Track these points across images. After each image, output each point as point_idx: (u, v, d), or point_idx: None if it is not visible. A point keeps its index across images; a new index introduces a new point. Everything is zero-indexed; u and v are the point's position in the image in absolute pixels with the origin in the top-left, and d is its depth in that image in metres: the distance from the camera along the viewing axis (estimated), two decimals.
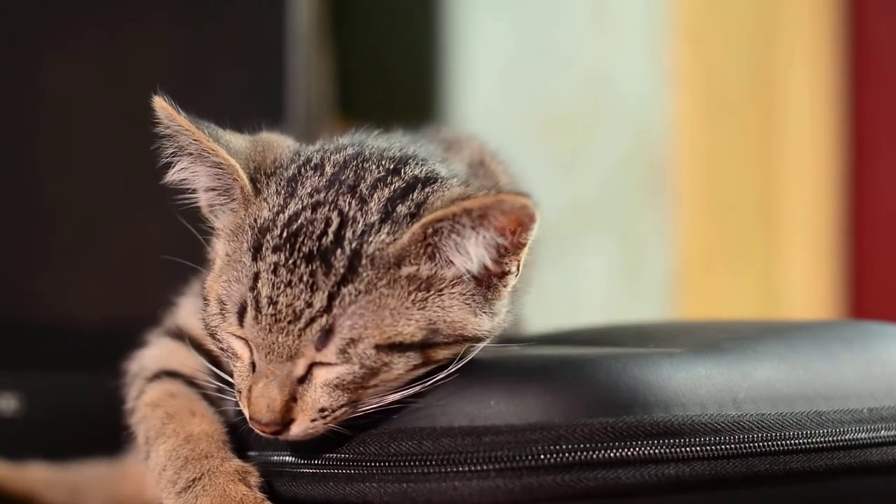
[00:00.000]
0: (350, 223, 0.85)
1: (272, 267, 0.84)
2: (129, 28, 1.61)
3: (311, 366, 0.84)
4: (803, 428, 0.89)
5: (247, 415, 0.85)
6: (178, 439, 0.91)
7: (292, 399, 0.84)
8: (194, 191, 0.92)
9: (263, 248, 0.85)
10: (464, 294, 0.86)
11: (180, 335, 1.00)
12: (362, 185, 0.87)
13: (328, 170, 0.89)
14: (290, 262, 0.83)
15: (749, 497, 0.87)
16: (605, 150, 2.23)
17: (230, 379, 0.89)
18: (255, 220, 0.87)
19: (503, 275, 0.86)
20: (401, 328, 0.84)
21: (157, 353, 1.01)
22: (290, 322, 0.83)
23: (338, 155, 0.91)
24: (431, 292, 0.85)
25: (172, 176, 0.91)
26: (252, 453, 0.91)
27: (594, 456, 0.82)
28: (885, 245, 2.43)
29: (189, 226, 0.92)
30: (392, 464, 0.84)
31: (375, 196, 0.86)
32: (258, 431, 0.85)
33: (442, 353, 0.85)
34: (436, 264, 0.85)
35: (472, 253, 0.84)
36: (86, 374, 1.33)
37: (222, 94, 1.59)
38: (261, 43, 1.62)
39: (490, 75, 2.24)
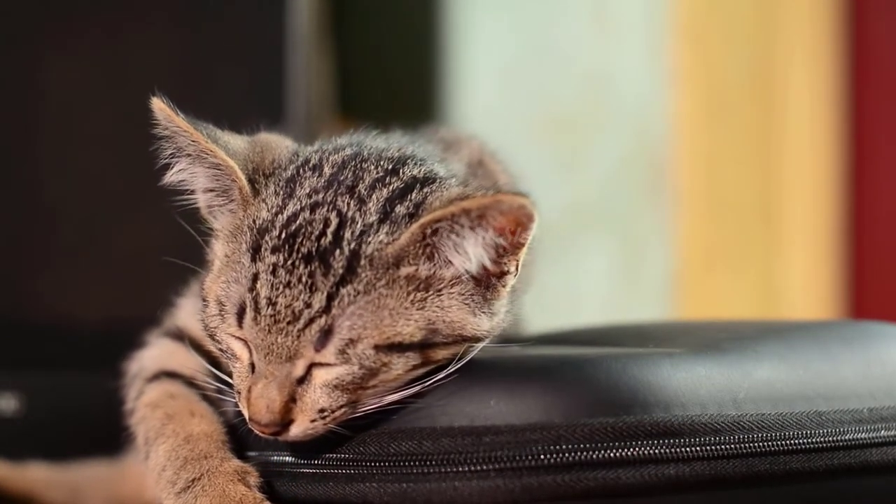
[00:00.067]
0: (349, 224, 0.85)
1: (271, 268, 0.84)
2: (129, 28, 1.61)
3: (311, 366, 0.84)
4: (803, 428, 0.89)
5: (246, 416, 0.85)
6: (178, 440, 0.91)
7: (292, 400, 0.84)
8: (193, 192, 0.92)
9: (262, 249, 0.85)
10: (463, 294, 0.86)
11: (180, 336, 1.00)
12: (361, 185, 0.87)
13: (327, 170, 0.89)
14: (289, 262, 0.83)
15: (749, 497, 0.87)
16: (605, 150, 2.23)
17: (229, 380, 0.89)
18: (254, 221, 0.87)
19: (502, 275, 0.86)
20: (400, 328, 0.84)
21: (156, 353, 1.01)
22: (289, 323, 0.83)
23: (336, 155, 0.91)
24: (430, 292, 0.85)
25: (171, 177, 0.91)
26: (252, 453, 0.91)
27: (594, 456, 0.82)
28: (885, 245, 2.43)
29: (188, 227, 0.92)
30: (392, 464, 0.84)
31: (374, 196, 0.86)
32: (258, 432, 0.85)
33: (441, 354, 0.85)
34: (434, 264, 0.85)
35: (470, 253, 0.84)
36: (86, 374, 1.33)
37: (222, 94, 1.59)
38: (261, 43, 1.62)
39: (490, 75, 2.24)
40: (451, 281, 0.85)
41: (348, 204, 0.86)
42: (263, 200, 0.88)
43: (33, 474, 1.31)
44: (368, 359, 0.83)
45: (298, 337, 0.83)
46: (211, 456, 0.90)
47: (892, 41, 2.42)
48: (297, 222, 0.85)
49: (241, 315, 0.85)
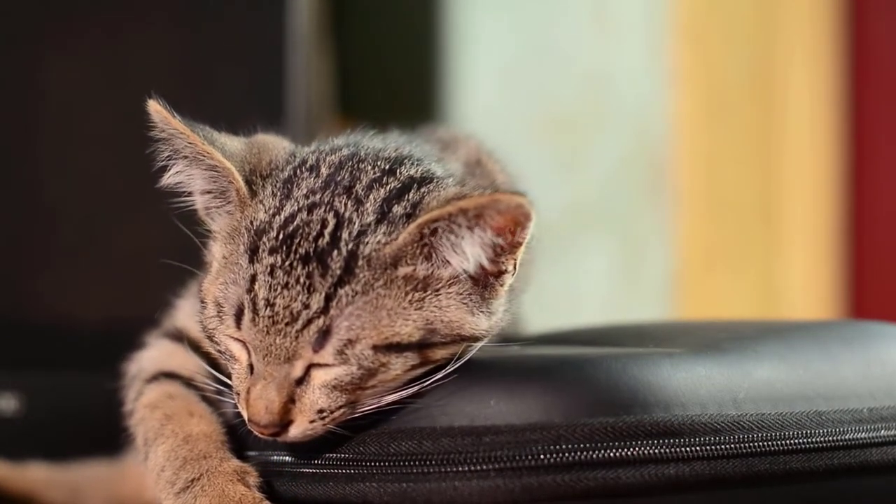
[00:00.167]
0: (346, 224, 0.85)
1: (269, 269, 0.84)
2: (129, 28, 1.61)
3: (309, 367, 0.84)
4: (803, 428, 0.89)
5: (245, 417, 0.85)
6: (177, 440, 0.91)
7: (290, 401, 0.84)
8: (190, 194, 0.92)
9: (260, 251, 0.85)
10: (461, 294, 0.86)
11: (179, 337, 1.00)
12: (358, 185, 0.87)
13: (324, 171, 0.89)
14: (287, 263, 0.83)
15: (749, 497, 0.87)
16: (605, 150, 2.23)
17: (228, 381, 0.89)
18: (252, 223, 0.87)
19: (500, 274, 0.86)
20: (398, 328, 0.84)
21: (155, 354, 1.01)
22: (287, 324, 0.83)
23: (333, 156, 0.91)
24: (428, 292, 0.85)
25: (168, 179, 0.91)
26: (252, 453, 0.91)
27: (594, 456, 0.82)
28: (885, 245, 2.43)
29: (185, 229, 0.92)
30: (392, 464, 0.84)
31: (371, 197, 0.86)
32: (257, 433, 0.85)
33: (440, 353, 0.85)
34: (432, 264, 0.85)
35: (468, 252, 0.84)
36: (86, 374, 1.32)
37: (222, 94, 1.59)
38: (261, 43, 1.62)
39: (490, 75, 2.24)
40: (448, 280, 0.85)
41: (345, 204, 0.86)
42: (261, 202, 0.88)
43: (33, 474, 1.31)
44: (367, 359, 0.83)
45: (297, 338, 0.83)
46: (210, 456, 0.90)
47: (892, 41, 2.42)
48: (295, 223, 0.85)
49: (239, 316, 0.85)
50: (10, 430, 1.51)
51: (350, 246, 0.84)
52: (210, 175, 0.90)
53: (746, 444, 0.86)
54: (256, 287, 0.84)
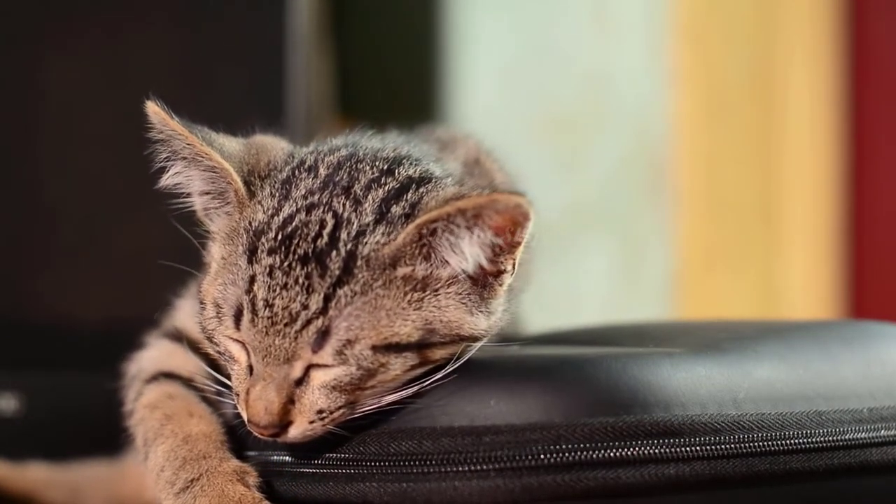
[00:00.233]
0: (345, 224, 0.85)
1: (268, 270, 0.84)
2: (129, 28, 1.61)
3: (309, 368, 0.84)
4: (803, 428, 0.88)
5: (245, 418, 0.85)
6: (177, 440, 0.91)
7: (290, 401, 0.84)
8: (189, 195, 0.92)
9: (259, 251, 0.85)
10: (460, 293, 0.86)
11: (178, 337, 1.00)
12: (356, 186, 0.87)
13: (322, 171, 0.89)
14: (286, 264, 0.83)
15: (749, 497, 0.87)
16: (605, 150, 2.23)
17: (228, 381, 0.89)
18: (250, 223, 0.87)
19: (499, 274, 0.86)
20: (397, 329, 0.84)
21: (155, 354, 1.01)
22: (286, 324, 0.83)
23: (331, 156, 0.91)
24: (427, 292, 0.85)
25: (167, 180, 0.91)
26: (251, 453, 0.91)
27: (594, 456, 0.82)
28: (885, 245, 2.43)
29: (184, 230, 0.92)
30: (392, 463, 0.84)
31: (370, 197, 0.86)
32: (256, 434, 0.85)
33: (439, 353, 0.85)
34: (431, 264, 0.85)
35: (467, 252, 0.84)
36: (86, 374, 1.32)
37: (222, 94, 1.59)
38: (261, 43, 1.62)
39: (490, 75, 2.24)
40: (447, 280, 0.85)
41: (344, 205, 0.86)
42: (259, 202, 0.88)
43: (33, 474, 1.31)
44: (366, 359, 0.83)
45: (296, 338, 0.83)
46: (210, 456, 0.89)
47: (892, 41, 2.42)
48: (293, 224, 0.85)
49: (238, 317, 0.85)
50: (10, 430, 1.51)
51: (349, 246, 0.84)
52: (208, 176, 0.90)
53: (746, 444, 0.86)
54: (255, 288, 0.84)
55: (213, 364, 0.93)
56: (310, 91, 1.68)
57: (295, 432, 0.85)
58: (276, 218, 0.86)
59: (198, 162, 0.89)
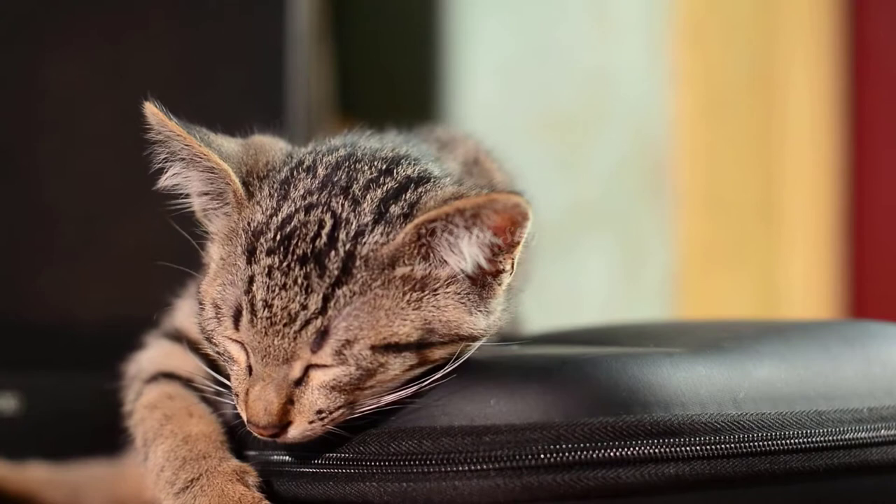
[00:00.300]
0: (343, 225, 0.85)
1: (266, 270, 0.84)
2: (129, 28, 1.61)
3: (308, 368, 0.84)
4: (803, 427, 0.89)
5: (244, 418, 0.85)
6: (176, 440, 0.91)
7: (289, 402, 0.84)
8: (188, 195, 0.92)
9: (257, 252, 0.85)
10: (458, 293, 0.86)
11: (178, 337, 1.00)
12: (355, 186, 0.87)
13: (320, 171, 0.89)
14: (285, 264, 0.83)
15: (749, 496, 0.87)
16: (605, 150, 2.23)
17: (227, 382, 0.89)
18: (249, 224, 0.87)
19: (497, 273, 0.86)
20: (396, 328, 0.83)
21: (154, 354, 1.01)
22: (285, 325, 0.83)
23: (330, 156, 0.91)
24: (426, 292, 0.85)
25: (165, 181, 0.91)
26: (251, 453, 0.91)
27: (594, 455, 0.82)
28: (885, 245, 2.43)
29: (183, 231, 0.92)
30: (392, 463, 0.84)
31: (368, 197, 0.86)
32: (256, 434, 0.85)
33: (438, 353, 0.85)
34: (430, 264, 0.85)
35: (465, 252, 0.84)
36: (86, 374, 1.32)
37: (222, 94, 1.59)
38: (261, 43, 1.62)
39: (490, 75, 2.24)
40: (446, 280, 0.85)
41: (343, 205, 0.86)
42: (258, 203, 0.88)
43: (33, 474, 1.31)
44: (365, 359, 0.83)
45: (295, 339, 0.83)
46: (209, 456, 0.90)
47: (892, 41, 2.42)
48: (292, 224, 0.85)
49: (237, 318, 0.85)
50: (10, 430, 1.51)
51: (347, 246, 0.84)
52: (207, 177, 0.90)
53: (746, 444, 0.86)
54: (254, 288, 0.84)
55: (212, 364, 0.93)
56: (310, 91, 1.68)
57: (294, 432, 0.85)
58: (274, 218, 0.86)
59: (196, 163, 0.89)
